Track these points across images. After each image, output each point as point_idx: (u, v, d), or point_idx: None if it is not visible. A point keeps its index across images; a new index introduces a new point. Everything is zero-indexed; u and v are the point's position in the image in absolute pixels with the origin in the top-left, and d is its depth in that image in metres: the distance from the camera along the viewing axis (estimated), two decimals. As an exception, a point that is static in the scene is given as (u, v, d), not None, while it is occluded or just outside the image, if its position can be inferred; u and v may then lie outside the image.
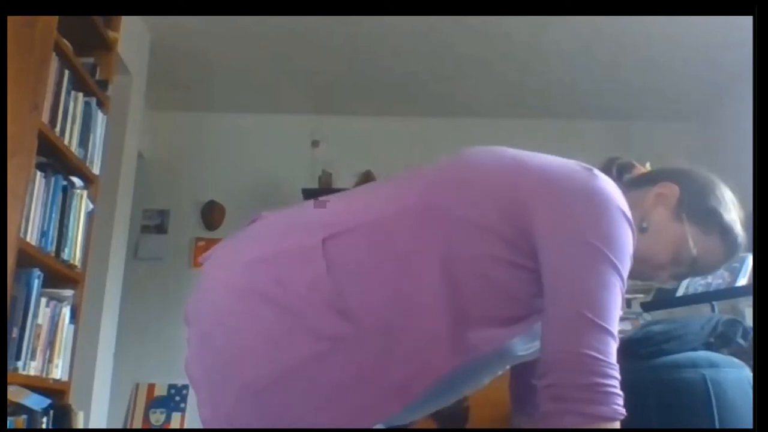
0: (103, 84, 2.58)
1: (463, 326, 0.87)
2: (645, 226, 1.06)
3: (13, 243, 1.92)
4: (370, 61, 3.93)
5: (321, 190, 4.01)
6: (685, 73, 3.95)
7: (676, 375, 1.58)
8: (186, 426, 3.90)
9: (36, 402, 2.07)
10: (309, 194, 3.89)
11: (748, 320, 2.64)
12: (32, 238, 2.06)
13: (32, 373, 2.06)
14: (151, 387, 4.03)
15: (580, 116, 4.45)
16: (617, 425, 0.84)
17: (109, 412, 3.33)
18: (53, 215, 2.18)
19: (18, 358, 1.98)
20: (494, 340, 0.89)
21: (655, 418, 1.54)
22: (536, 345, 0.96)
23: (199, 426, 0.93)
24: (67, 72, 2.27)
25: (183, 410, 3.96)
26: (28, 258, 2.03)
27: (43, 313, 2.12)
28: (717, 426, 1.50)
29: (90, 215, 2.43)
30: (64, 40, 2.25)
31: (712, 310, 2.71)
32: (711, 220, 1.07)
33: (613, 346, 0.86)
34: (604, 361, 0.85)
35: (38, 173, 2.10)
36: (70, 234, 2.27)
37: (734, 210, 1.09)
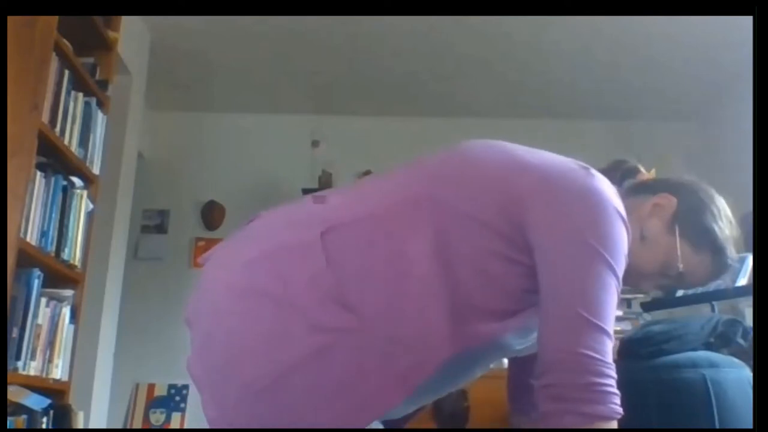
0: (103, 84, 2.58)
1: (461, 315, 0.88)
2: (645, 235, 1.06)
3: (13, 243, 1.92)
4: (370, 61, 3.93)
5: (321, 190, 4.00)
6: (685, 73, 3.95)
7: (676, 375, 1.59)
8: (186, 426, 3.88)
9: (36, 402, 2.07)
10: (309, 194, 3.88)
11: (748, 320, 2.64)
12: (32, 238, 2.06)
13: (32, 373, 2.06)
14: (151, 387, 4.02)
15: (580, 116, 4.45)
16: (615, 425, 0.85)
17: (109, 412, 3.33)
18: (53, 215, 2.18)
19: (18, 358, 1.98)
20: (491, 330, 0.90)
21: (655, 418, 1.54)
22: (532, 338, 0.97)
23: (199, 426, 0.93)
24: (67, 72, 2.27)
25: (183, 410, 3.94)
26: (28, 258, 2.03)
27: (43, 313, 2.11)
28: (717, 426, 1.50)
29: (90, 215, 2.43)
30: (64, 40, 2.25)
31: (712, 310, 2.70)
32: (704, 237, 1.06)
33: (610, 346, 0.87)
34: (602, 360, 0.85)
35: (38, 173, 2.10)
36: (70, 234, 2.27)
37: (729, 229, 1.08)
